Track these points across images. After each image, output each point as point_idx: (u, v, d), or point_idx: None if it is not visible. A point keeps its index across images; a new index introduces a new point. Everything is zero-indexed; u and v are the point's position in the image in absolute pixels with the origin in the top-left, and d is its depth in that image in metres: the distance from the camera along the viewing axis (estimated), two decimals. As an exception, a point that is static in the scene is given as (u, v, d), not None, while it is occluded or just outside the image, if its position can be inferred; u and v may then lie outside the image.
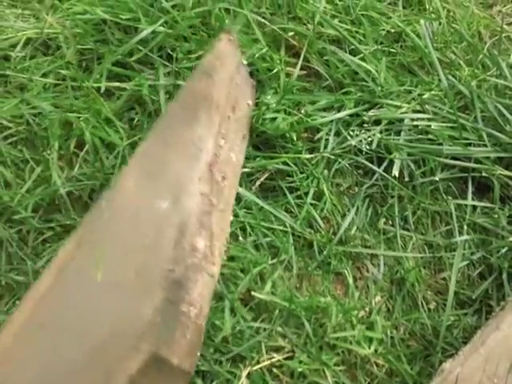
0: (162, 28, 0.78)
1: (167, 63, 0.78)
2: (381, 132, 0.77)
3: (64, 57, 0.79)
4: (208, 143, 0.67)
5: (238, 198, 0.73)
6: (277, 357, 0.65)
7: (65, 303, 0.55)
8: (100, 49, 0.80)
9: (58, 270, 0.57)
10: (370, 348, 0.66)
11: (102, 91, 0.76)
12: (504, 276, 0.72)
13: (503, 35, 0.92)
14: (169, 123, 0.67)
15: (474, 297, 0.72)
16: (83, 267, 0.57)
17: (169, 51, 0.79)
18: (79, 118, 0.74)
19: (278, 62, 0.80)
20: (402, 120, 0.78)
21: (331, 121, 0.78)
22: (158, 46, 0.79)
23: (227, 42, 0.75)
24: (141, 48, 0.78)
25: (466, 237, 0.75)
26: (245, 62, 0.78)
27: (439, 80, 0.82)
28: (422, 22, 0.84)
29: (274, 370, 0.65)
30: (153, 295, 0.55)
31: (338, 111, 0.79)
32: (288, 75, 0.81)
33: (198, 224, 0.62)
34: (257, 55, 0.79)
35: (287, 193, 0.75)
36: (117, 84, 0.78)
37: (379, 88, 0.80)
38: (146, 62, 0.79)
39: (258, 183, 0.76)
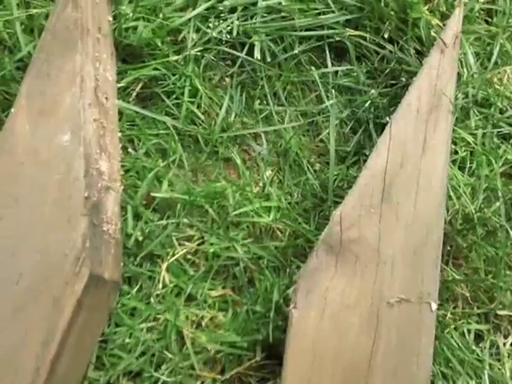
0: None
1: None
2: (238, 19, 0.80)
3: None
4: (89, 69, 0.69)
5: (120, 113, 0.75)
6: (189, 245, 0.71)
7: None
8: None
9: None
10: (269, 217, 0.74)
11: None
12: (371, 126, 0.80)
13: None
14: (46, 57, 0.68)
15: (349, 149, 0.80)
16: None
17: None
18: None
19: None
20: (255, 3, 0.81)
21: (189, 19, 0.80)
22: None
23: None
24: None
25: (333, 100, 0.82)
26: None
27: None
28: None
29: (190, 257, 0.71)
30: (78, 223, 0.59)
31: (194, 8, 0.81)
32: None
33: (98, 149, 0.66)
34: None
35: (164, 97, 0.78)
36: (-32, 26, 0.75)
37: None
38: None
39: (134, 94, 0.78)
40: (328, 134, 0.80)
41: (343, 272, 0.62)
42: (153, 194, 0.70)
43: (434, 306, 0.63)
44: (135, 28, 0.78)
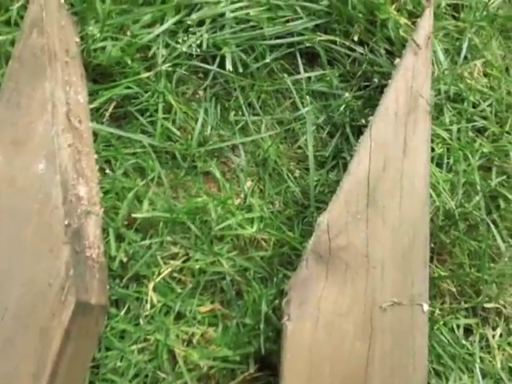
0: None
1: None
2: (207, 32, 0.80)
3: None
4: (59, 94, 0.68)
5: (94, 135, 0.74)
6: (174, 263, 0.70)
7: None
8: None
9: None
10: (253, 228, 0.73)
11: None
12: (348, 129, 0.80)
13: None
14: (15, 86, 0.67)
15: (327, 154, 0.80)
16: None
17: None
18: None
19: (88, -11, 0.79)
20: (222, 14, 0.81)
21: (158, 35, 0.79)
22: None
23: None
24: None
25: (308, 106, 0.82)
26: (62, 1, 0.76)
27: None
28: None
29: (176, 274, 0.71)
30: (60, 252, 0.58)
31: (162, 23, 0.80)
32: (103, 1, 0.80)
33: (75, 174, 0.65)
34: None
35: (138, 115, 0.77)
36: None
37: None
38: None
39: (107, 115, 0.77)
40: (305, 140, 0.80)
41: (334, 280, 0.62)
42: (134, 215, 0.69)
43: (426, 307, 0.63)
44: (104, 47, 0.77)
